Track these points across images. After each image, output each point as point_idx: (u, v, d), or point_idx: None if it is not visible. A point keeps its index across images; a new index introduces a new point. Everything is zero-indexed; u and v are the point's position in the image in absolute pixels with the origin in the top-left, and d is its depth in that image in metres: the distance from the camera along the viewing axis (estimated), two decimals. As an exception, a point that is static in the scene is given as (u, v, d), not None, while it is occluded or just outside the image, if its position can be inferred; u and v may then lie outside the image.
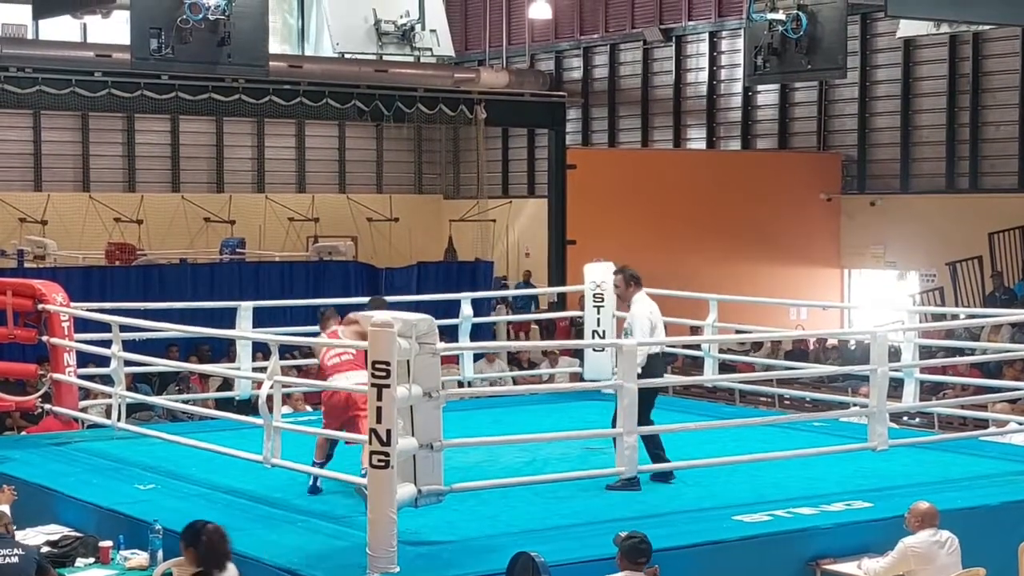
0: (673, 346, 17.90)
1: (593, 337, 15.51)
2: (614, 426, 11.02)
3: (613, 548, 8.93)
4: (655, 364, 11.50)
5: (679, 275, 21.85)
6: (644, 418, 11.17)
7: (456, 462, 10.75)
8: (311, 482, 11.06)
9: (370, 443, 8.95)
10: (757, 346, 22.88)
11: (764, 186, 29.06)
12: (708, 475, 11.57)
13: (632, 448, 10.65)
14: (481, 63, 35.39)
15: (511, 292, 27.68)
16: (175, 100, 25.87)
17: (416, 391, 9.27)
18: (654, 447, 11.37)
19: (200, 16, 14.40)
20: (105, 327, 13.53)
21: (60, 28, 29.00)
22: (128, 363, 13.50)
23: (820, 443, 12.60)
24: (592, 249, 19.19)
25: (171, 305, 15.62)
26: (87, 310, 14.19)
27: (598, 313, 15.52)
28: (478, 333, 19.19)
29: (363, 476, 9.85)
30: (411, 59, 26.25)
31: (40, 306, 13.78)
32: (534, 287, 29.62)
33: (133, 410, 15.37)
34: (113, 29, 26.95)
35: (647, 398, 11.29)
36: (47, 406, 14.00)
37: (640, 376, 11.04)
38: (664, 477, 11.43)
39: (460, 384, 16.08)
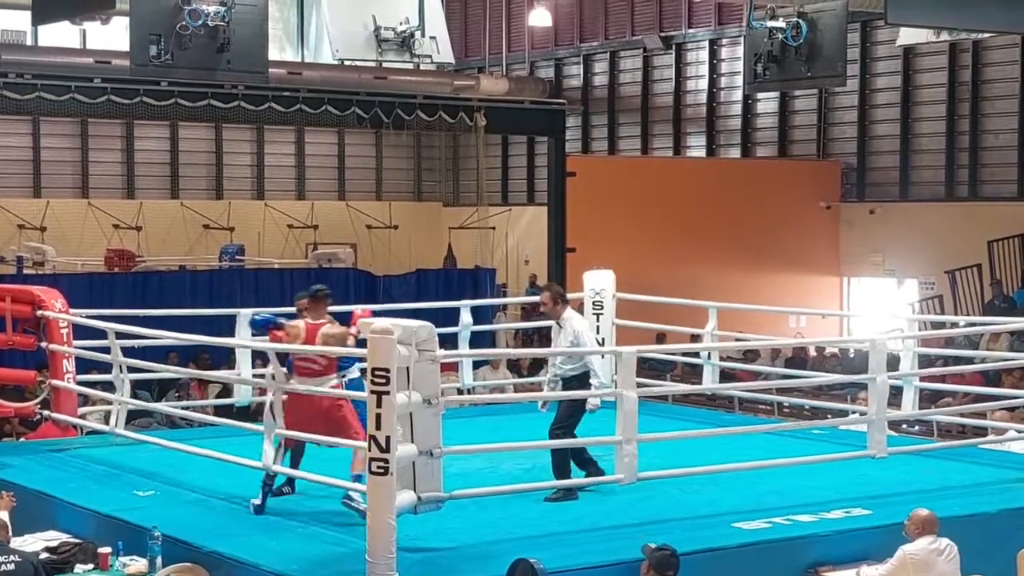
0: (673, 353, 18.00)
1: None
2: (550, 436, 11.25)
3: (613, 554, 8.95)
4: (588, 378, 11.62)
5: (678, 283, 21.83)
6: (571, 431, 11.33)
7: (456, 469, 10.75)
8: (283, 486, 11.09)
9: (369, 449, 8.94)
10: (755, 354, 22.87)
11: (764, 194, 29.05)
12: (707, 482, 11.56)
13: (632, 455, 10.65)
14: (481, 70, 35.45)
15: (516, 300, 27.64)
16: (174, 106, 25.87)
17: (416, 398, 9.27)
18: (581, 457, 11.45)
19: (199, 22, 14.39)
20: (104, 334, 13.51)
21: (59, 34, 29.05)
22: (130, 369, 13.49)
23: (819, 451, 12.59)
24: (592, 257, 19.19)
25: (170, 312, 15.61)
26: (86, 317, 14.18)
27: (597, 321, 15.52)
28: (479, 340, 19.17)
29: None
30: (411, 66, 26.25)
31: (39, 313, 13.77)
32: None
33: (132, 416, 15.37)
34: (112, 35, 26.99)
35: (580, 411, 11.45)
36: (46, 412, 13.98)
37: (578, 388, 11.34)
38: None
39: (460, 391, 16.07)
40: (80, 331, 14.18)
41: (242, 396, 15.28)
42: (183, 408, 16.16)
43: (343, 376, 10.83)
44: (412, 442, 9.34)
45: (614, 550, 9.42)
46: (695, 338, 16.47)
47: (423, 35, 19.49)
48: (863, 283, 30.03)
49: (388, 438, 8.89)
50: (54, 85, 25.05)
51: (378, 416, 8.90)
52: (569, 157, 30.12)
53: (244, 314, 14.54)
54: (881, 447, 11.86)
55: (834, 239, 29.89)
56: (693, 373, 18.36)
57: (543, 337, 26.12)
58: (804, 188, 29.74)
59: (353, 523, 9.97)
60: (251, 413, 16.23)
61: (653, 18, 33.50)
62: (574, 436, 11.39)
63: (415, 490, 9.42)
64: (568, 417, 11.47)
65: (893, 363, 13.29)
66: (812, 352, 23.49)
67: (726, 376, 18.89)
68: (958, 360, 16.66)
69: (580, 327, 11.77)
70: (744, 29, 18.37)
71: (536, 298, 27.43)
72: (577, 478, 11.35)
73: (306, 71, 30.02)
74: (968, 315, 24.60)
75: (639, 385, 11.06)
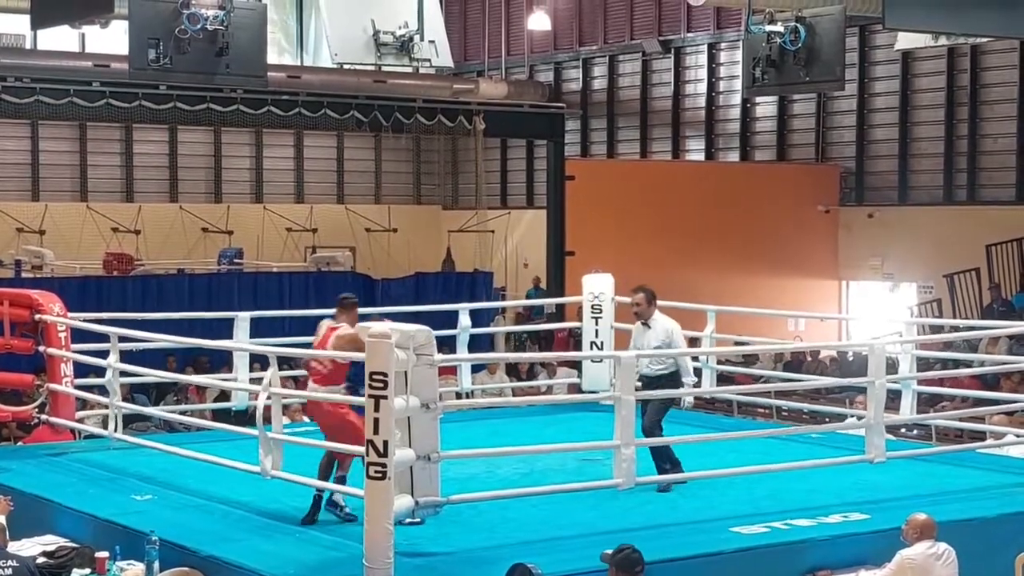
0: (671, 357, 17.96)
1: (591, 348, 15.50)
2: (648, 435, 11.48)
3: (610, 560, 8.92)
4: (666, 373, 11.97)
5: (677, 286, 21.73)
6: (659, 428, 11.66)
7: (454, 473, 10.76)
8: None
9: (367, 454, 8.94)
10: (754, 357, 22.86)
11: (762, 197, 29.07)
12: (705, 487, 11.57)
13: (630, 460, 10.65)
14: (480, 74, 35.44)
15: (515, 303, 27.61)
16: (173, 110, 25.89)
17: (414, 402, 9.27)
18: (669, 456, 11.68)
19: (198, 27, 14.40)
20: (102, 338, 13.50)
21: (58, 38, 28.98)
22: (125, 373, 13.48)
23: (817, 455, 12.60)
24: (591, 260, 19.19)
25: (168, 315, 15.60)
26: (84, 320, 14.16)
27: (596, 324, 15.52)
28: (477, 344, 19.16)
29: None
30: (410, 70, 26.30)
31: (37, 316, 13.75)
32: (545, 292, 29.48)
33: (130, 421, 15.35)
34: (111, 39, 26.92)
35: (668, 408, 11.92)
36: (44, 416, 13.97)
37: (666, 387, 11.67)
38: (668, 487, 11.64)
39: (458, 395, 16.06)
40: (79, 335, 14.17)
41: (239, 400, 15.26)
42: (180, 412, 16.14)
43: (349, 385, 10.77)
44: (410, 446, 9.34)
45: (612, 555, 9.40)
46: (694, 341, 16.47)
47: (422, 39, 19.57)
48: (862, 287, 30.04)
49: (386, 442, 8.89)
50: (53, 89, 25.06)
51: (376, 421, 8.90)
52: (568, 161, 30.14)
53: (242, 318, 14.54)
54: (879, 451, 11.85)
55: (833, 243, 29.91)
56: (691, 377, 18.31)
57: (542, 340, 26.19)
58: (803, 192, 29.76)
59: (351, 527, 9.96)
60: (248, 417, 16.20)
61: (652, 22, 33.52)
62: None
63: (413, 495, 9.42)
64: (663, 414, 11.81)
65: (891, 367, 13.29)
66: (810, 356, 23.48)
67: (725, 380, 18.87)
68: (956, 364, 16.66)
69: (672, 327, 12.05)
70: (743, 33, 18.35)
71: (536, 301, 27.59)
72: (578, 482, 11.34)
73: (305, 75, 29.98)
74: (967, 319, 24.59)
75: (637, 389, 11.07)
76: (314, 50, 35.68)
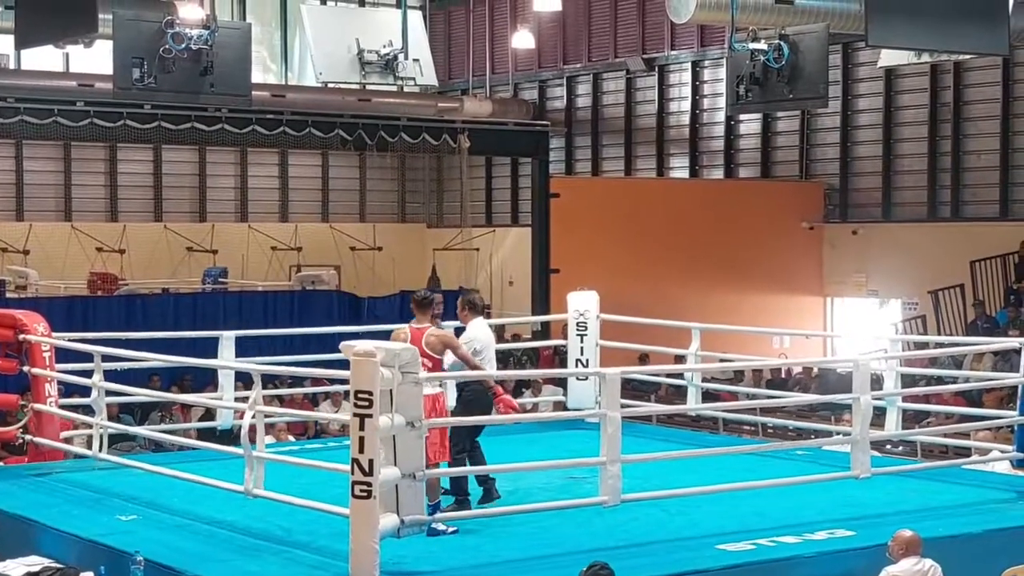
0: (656, 375, 17.99)
1: (576, 366, 15.51)
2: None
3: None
4: (472, 389, 11.49)
5: (662, 303, 21.87)
6: (462, 446, 11.19)
7: (439, 491, 10.77)
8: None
9: (352, 472, 8.93)
10: (739, 374, 22.88)
11: (747, 215, 29.13)
12: (691, 504, 11.54)
13: (616, 477, 10.63)
14: (464, 92, 35.46)
15: (499, 321, 27.60)
16: (158, 130, 25.87)
17: (399, 421, 9.26)
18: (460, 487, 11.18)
19: (183, 46, 14.41)
20: (87, 357, 13.47)
21: (42, 57, 28.99)
22: (110, 393, 13.45)
23: (803, 471, 12.60)
24: (576, 278, 19.20)
25: (153, 335, 15.57)
26: (69, 340, 14.13)
27: (582, 342, 15.53)
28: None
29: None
30: (394, 88, 26.29)
31: (21, 336, 13.72)
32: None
33: (115, 440, 15.30)
34: (95, 59, 26.91)
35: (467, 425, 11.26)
36: (28, 436, 13.92)
37: (460, 400, 11.32)
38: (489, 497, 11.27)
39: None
40: (63, 355, 14.14)
41: (224, 419, 15.23)
42: (164, 432, 16.09)
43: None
44: (395, 465, 9.33)
45: (598, 572, 9.38)
46: (679, 359, 16.47)
47: (406, 57, 19.50)
48: (846, 303, 30.10)
49: (371, 461, 8.88)
50: (37, 108, 25.04)
51: (361, 439, 8.89)
52: (553, 178, 30.19)
53: (227, 336, 14.52)
54: (865, 467, 11.87)
55: (817, 259, 29.97)
56: (677, 394, 18.37)
57: (527, 358, 26.20)
58: (787, 209, 29.84)
59: (336, 547, 9.93)
60: (234, 436, 16.17)
61: (636, 40, 33.59)
62: (477, 448, 11.34)
63: (398, 513, 9.41)
64: (472, 432, 11.35)
65: (876, 383, 13.31)
66: (797, 370, 23.51)
67: (710, 397, 18.91)
68: (941, 380, 16.69)
69: (461, 337, 11.59)
70: (726, 51, 18.41)
71: (525, 319, 27.56)
72: (563, 499, 11.32)
73: (290, 93, 30.00)
74: (951, 335, 24.64)
75: (622, 406, 11.06)
76: (298, 69, 35.68)
